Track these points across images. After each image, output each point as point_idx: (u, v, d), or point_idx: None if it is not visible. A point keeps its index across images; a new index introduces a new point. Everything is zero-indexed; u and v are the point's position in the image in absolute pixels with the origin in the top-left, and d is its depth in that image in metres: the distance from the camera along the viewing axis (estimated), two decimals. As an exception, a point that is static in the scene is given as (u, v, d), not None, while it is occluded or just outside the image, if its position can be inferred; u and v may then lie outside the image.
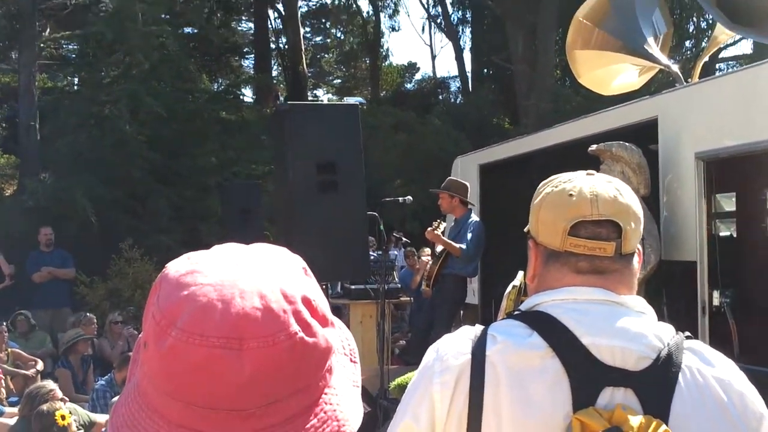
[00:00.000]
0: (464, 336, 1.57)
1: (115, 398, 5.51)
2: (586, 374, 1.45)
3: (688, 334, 1.57)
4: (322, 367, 0.97)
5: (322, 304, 0.98)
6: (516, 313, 1.61)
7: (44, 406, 5.23)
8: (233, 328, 0.89)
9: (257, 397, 0.90)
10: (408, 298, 10.62)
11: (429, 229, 7.91)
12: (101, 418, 6.08)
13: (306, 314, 0.94)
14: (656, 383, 1.46)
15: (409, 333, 12.02)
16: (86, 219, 13.21)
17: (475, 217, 8.16)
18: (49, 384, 5.89)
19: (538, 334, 1.50)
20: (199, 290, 0.93)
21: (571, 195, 1.59)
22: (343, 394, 1.01)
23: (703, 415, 1.45)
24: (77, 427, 5.52)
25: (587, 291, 1.56)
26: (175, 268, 0.99)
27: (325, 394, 0.98)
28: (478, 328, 1.58)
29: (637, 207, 1.62)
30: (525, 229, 1.72)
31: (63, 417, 5.09)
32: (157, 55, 15.76)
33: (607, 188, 1.60)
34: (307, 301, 0.95)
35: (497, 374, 1.47)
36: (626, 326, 1.51)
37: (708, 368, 1.51)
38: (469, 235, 7.88)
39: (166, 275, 0.98)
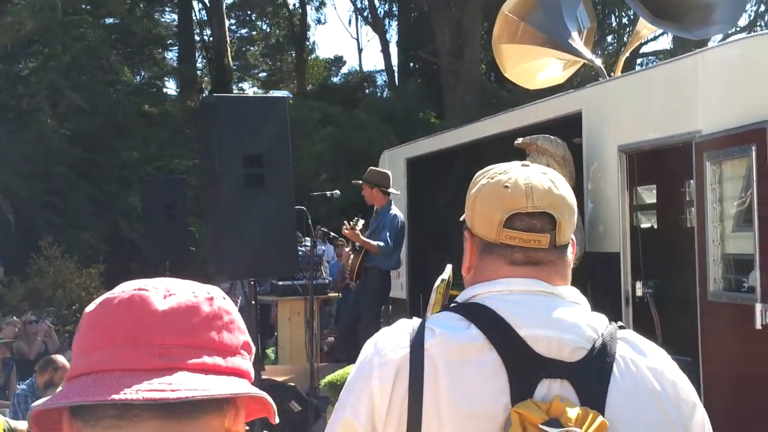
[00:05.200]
0: (402, 329, 1.55)
1: (37, 402, 5.32)
2: (524, 366, 1.45)
3: (621, 324, 1.59)
4: (235, 342, 1.03)
5: (236, 315, 1.07)
6: (453, 305, 1.60)
7: None
8: (159, 284, 1.02)
9: (174, 332, 0.98)
10: (336, 294, 10.59)
11: (346, 227, 7.91)
12: (22, 425, 5.88)
13: (221, 301, 1.05)
14: (591, 374, 1.47)
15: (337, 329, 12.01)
16: (3, 216, 12.78)
17: (394, 211, 8.15)
18: None
19: (475, 326, 1.49)
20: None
21: (506, 187, 1.58)
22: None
23: (637, 404, 1.47)
24: None
25: (523, 282, 1.56)
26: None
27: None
28: (416, 321, 1.56)
29: (571, 198, 1.62)
30: (461, 218, 1.71)
31: None
32: (78, 46, 15.36)
33: (542, 180, 1.60)
34: (221, 304, 1.05)
35: (436, 367, 1.46)
36: (561, 317, 1.51)
37: (641, 358, 1.52)
38: (387, 232, 7.89)
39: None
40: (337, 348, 9.60)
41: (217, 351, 1.00)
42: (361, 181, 8.16)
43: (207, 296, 1.02)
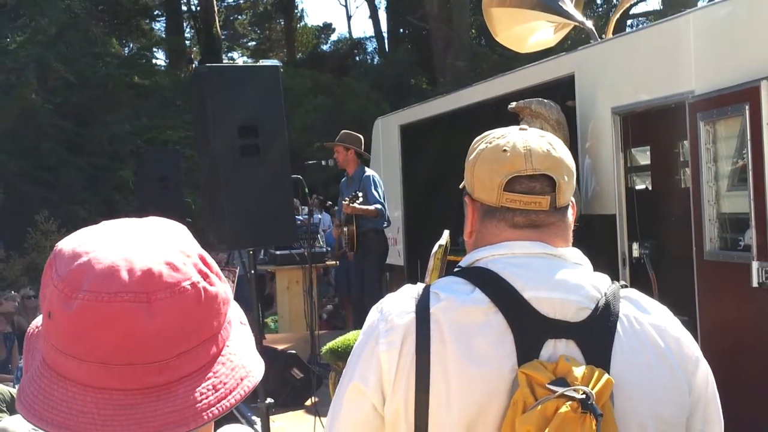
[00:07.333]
0: (407, 294, 1.56)
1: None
2: (529, 328, 1.47)
3: (623, 283, 1.61)
4: (223, 316, 1.02)
5: (214, 264, 1.04)
6: (456, 269, 1.61)
7: None
8: (140, 282, 0.93)
9: (169, 347, 0.94)
10: (334, 262, 10.63)
11: (346, 203, 7.94)
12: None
13: (203, 266, 1.00)
14: (596, 333, 1.49)
15: (336, 297, 12.04)
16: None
17: (369, 171, 8.22)
18: None
19: (480, 289, 1.51)
20: (99, 254, 0.96)
21: (505, 150, 1.59)
22: (244, 346, 1.06)
23: (642, 361, 1.49)
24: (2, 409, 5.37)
25: (525, 245, 1.58)
26: (68, 242, 1.02)
27: (228, 346, 1.02)
28: (420, 286, 1.57)
29: (569, 160, 1.64)
30: (460, 186, 1.72)
31: None
32: (64, 18, 15.20)
33: (540, 143, 1.61)
34: (202, 257, 1.02)
35: (442, 331, 1.47)
36: (565, 278, 1.53)
37: (644, 316, 1.54)
38: (374, 192, 7.94)
39: (59, 251, 1.01)
40: (337, 315, 9.64)
41: (211, 339, 0.99)
42: (335, 142, 8.19)
43: (189, 281, 0.96)
